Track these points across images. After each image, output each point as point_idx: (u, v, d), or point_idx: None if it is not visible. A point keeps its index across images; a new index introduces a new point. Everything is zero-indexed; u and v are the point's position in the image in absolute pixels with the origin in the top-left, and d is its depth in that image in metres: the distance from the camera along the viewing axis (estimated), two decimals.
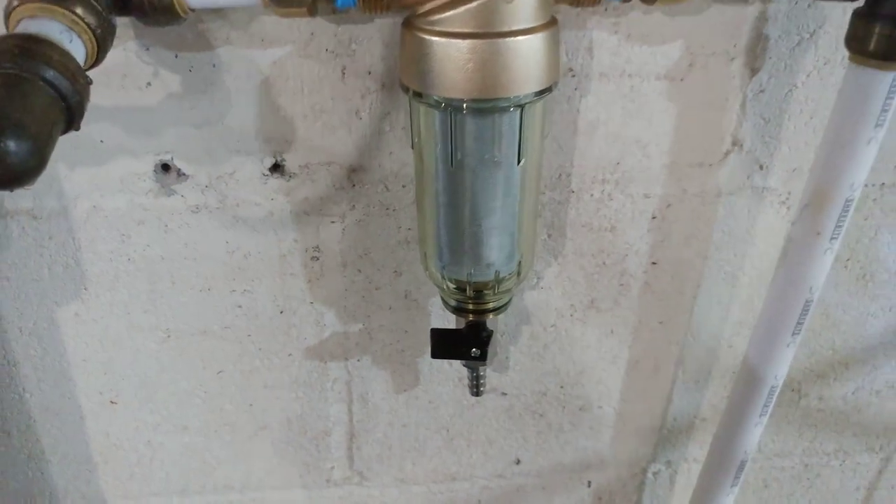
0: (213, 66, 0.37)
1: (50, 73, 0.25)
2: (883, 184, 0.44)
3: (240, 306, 0.46)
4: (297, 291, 0.45)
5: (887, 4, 0.32)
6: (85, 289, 0.44)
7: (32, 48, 0.26)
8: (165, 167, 0.40)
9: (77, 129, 0.27)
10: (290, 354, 0.48)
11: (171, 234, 0.42)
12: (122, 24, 0.36)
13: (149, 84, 0.38)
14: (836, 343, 0.51)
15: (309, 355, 0.48)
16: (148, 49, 0.37)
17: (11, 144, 0.23)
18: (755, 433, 0.46)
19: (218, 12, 0.36)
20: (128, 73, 0.37)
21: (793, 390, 0.54)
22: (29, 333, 0.46)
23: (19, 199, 0.41)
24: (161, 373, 0.48)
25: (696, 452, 0.56)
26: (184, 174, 0.41)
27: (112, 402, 0.49)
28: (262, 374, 0.48)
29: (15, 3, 0.28)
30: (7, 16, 0.28)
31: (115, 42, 0.37)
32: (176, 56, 0.37)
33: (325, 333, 0.47)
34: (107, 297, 0.44)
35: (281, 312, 0.46)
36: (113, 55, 0.37)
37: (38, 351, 0.46)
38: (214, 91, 0.38)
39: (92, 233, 0.42)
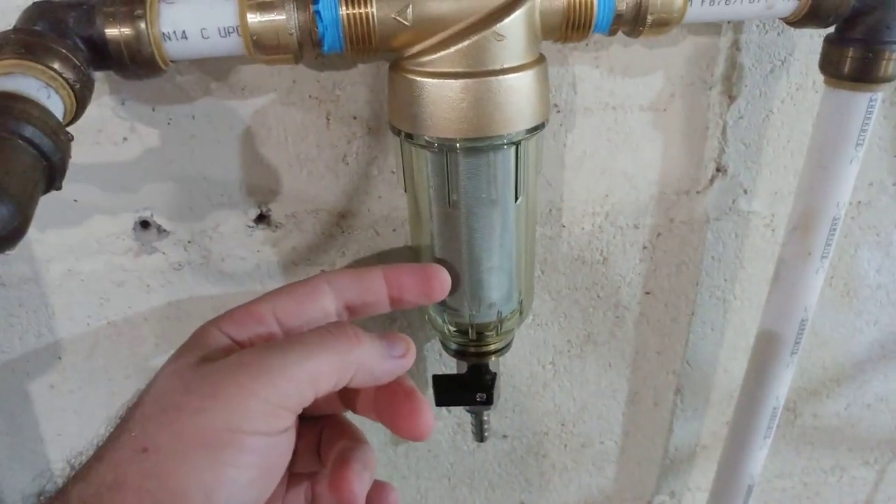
0: (193, 118, 0.36)
1: (29, 131, 0.24)
2: (860, 202, 0.45)
3: None
4: None
5: (857, 29, 0.33)
6: (59, 358, 0.41)
7: (10, 106, 0.24)
8: (145, 224, 0.39)
9: (59, 188, 0.26)
10: None
11: (153, 294, 0.40)
12: (97, 78, 0.35)
13: (125, 139, 0.36)
14: (826, 360, 0.52)
15: None
16: (124, 103, 0.36)
17: None
18: (760, 456, 0.46)
19: (197, 64, 0.35)
20: (103, 129, 0.36)
21: (788, 410, 0.54)
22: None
23: None
24: None
25: (699, 480, 0.56)
26: (164, 231, 0.39)
27: None
28: None
29: None
30: None
31: None
32: (153, 109, 0.36)
33: None
34: (85, 365, 0.42)
35: None
36: (87, 111, 0.36)
37: (11, 428, 0.43)
38: (194, 144, 0.37)
39: (67, 298, 0.40)
